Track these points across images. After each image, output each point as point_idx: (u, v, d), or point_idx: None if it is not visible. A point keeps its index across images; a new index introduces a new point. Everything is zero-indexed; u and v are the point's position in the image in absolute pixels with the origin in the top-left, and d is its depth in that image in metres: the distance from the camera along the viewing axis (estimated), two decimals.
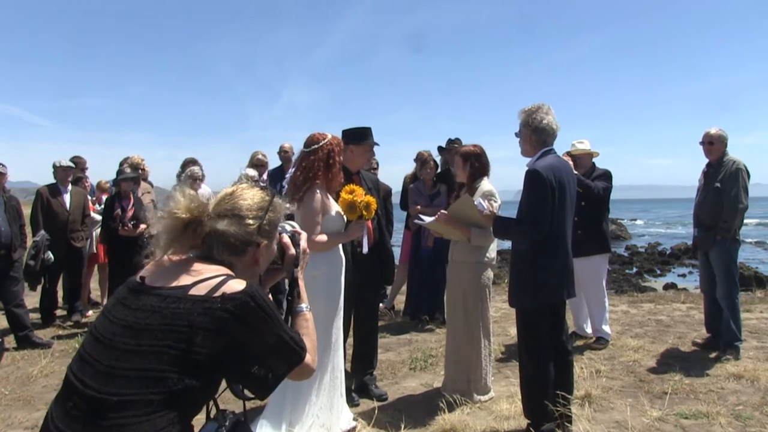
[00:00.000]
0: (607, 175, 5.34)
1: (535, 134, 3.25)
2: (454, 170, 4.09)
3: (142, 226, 5.91)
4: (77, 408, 1.39)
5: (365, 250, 3.68)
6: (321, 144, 3.35)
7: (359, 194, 3.38)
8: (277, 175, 6.55)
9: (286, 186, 3.49)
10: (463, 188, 4.15)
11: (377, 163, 6.93)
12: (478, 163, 4.05)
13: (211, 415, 1.55)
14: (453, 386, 3.95)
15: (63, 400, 1.45)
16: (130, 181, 6.19)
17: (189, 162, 6.86)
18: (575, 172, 5.04)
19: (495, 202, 3.94)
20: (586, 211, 5.03)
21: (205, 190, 6.43)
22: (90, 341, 1.50)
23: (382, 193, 6.42)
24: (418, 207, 6.21)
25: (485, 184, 4.05)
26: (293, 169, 3.46)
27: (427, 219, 3.93)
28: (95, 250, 7.19)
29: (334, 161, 3.37)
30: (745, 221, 5.08)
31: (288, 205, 1.81)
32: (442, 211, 3.83)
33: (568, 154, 5.26)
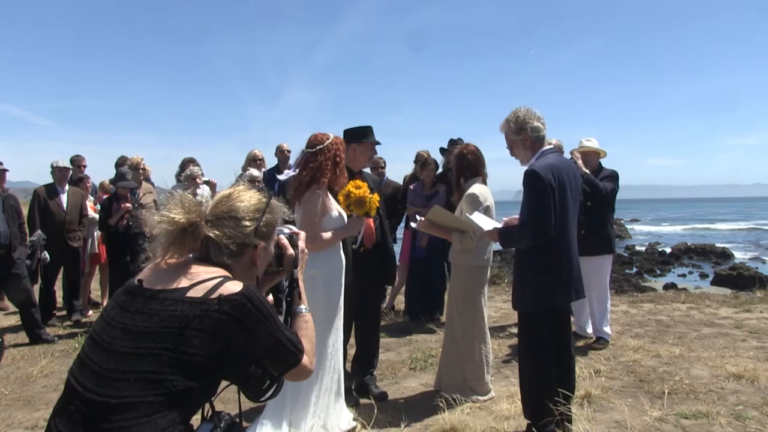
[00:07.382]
0: (614, 177, 5.33)
1: (532, 137, 3.25)
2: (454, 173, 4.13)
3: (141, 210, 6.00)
4: (78, 411, 1.40)
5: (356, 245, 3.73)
6: (326, 144, 3.37)
7: (366, 190, 3.38)
8: (273, 175, 6.50)
9: (287, 186, 3.49)
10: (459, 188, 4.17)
11: (384, 162, 6.94)
12: (466, 159, 4.08)
13: (207, 416, 1.55)
14: (446, 384, 3.97)
15: (65, 403, 1.45)
16: (129, 189, 6.31)
17: (188, 162, 6.85)
18: (585, 170, 5.05)
19: (480, 206, 3.87)
20: (592, 212, 5.06)
21: (204, 189, 6.43)
22: (89, 344, 1.51)
23: (391, 191, 6.45)
24: (413, 208, 6.22)
25: (474, 187, 3.99)
26: (297, 170, 3.46)
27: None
28: (97, 250, 7.20)
29: (341, 159, 3.41)
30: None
31: (286, 210, 1.80)
32: (420, 218, 4.02)
33: (575, 151, 5.27)
